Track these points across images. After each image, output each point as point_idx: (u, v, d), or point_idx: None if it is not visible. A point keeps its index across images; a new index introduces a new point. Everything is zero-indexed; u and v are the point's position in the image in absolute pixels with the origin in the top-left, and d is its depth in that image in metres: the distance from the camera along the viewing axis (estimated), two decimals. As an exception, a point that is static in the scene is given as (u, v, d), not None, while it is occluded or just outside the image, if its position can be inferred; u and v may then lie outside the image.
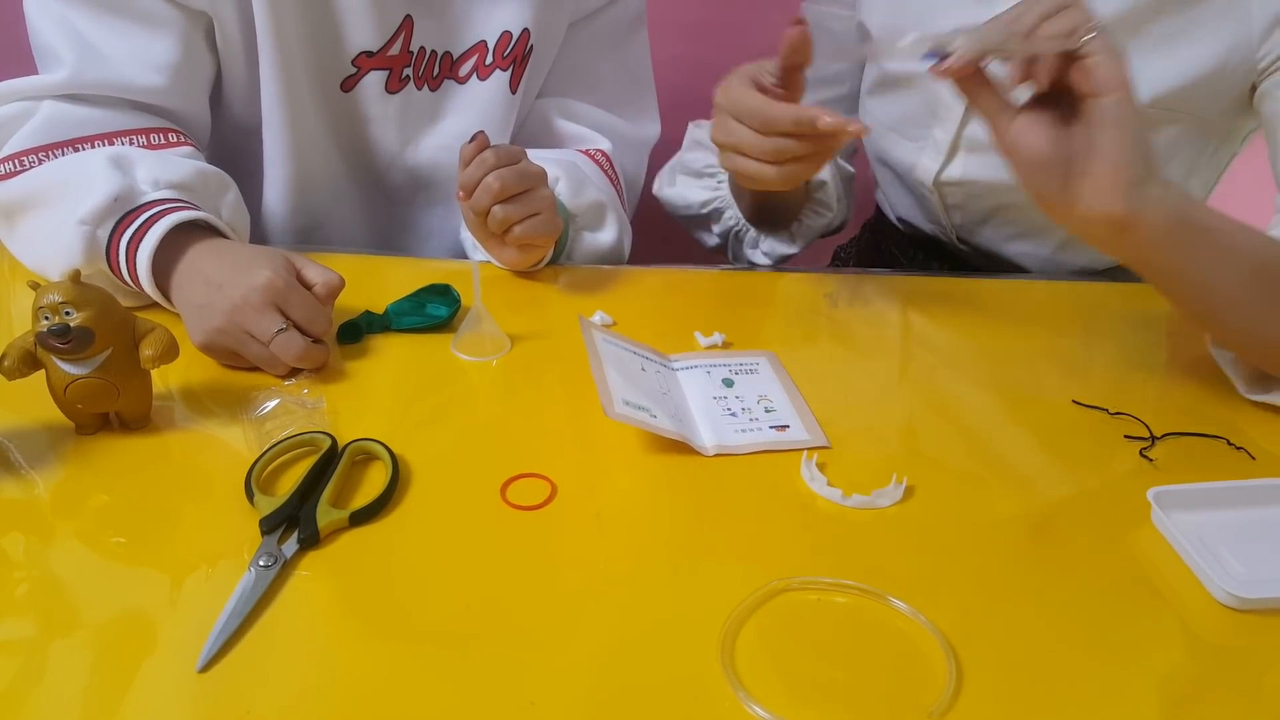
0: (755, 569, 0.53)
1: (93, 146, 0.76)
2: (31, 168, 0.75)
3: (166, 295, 0.71)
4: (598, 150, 0.98)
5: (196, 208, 0.73)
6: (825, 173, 0.94)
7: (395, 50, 0.87)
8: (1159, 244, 0.62)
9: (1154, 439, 0.67)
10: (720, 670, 0.46)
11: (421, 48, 0.88)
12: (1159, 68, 0.81)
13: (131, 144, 0.77)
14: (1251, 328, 0.67)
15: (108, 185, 0.70)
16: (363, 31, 0.85)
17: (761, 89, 0.71)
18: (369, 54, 0.86)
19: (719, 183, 0.96)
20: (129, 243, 0.69)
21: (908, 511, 0.59)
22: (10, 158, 0.75)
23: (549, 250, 0.85)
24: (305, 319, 0.68)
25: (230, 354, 0.68)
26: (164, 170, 0.73)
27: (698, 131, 1.01)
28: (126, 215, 0.70)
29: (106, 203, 0.70)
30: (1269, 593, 0.52)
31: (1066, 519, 0.60)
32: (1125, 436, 0.67)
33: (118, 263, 0.70)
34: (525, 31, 0.90)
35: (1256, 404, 0.71)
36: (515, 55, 0.91)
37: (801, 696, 0.46)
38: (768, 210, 0.94)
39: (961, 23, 0.61)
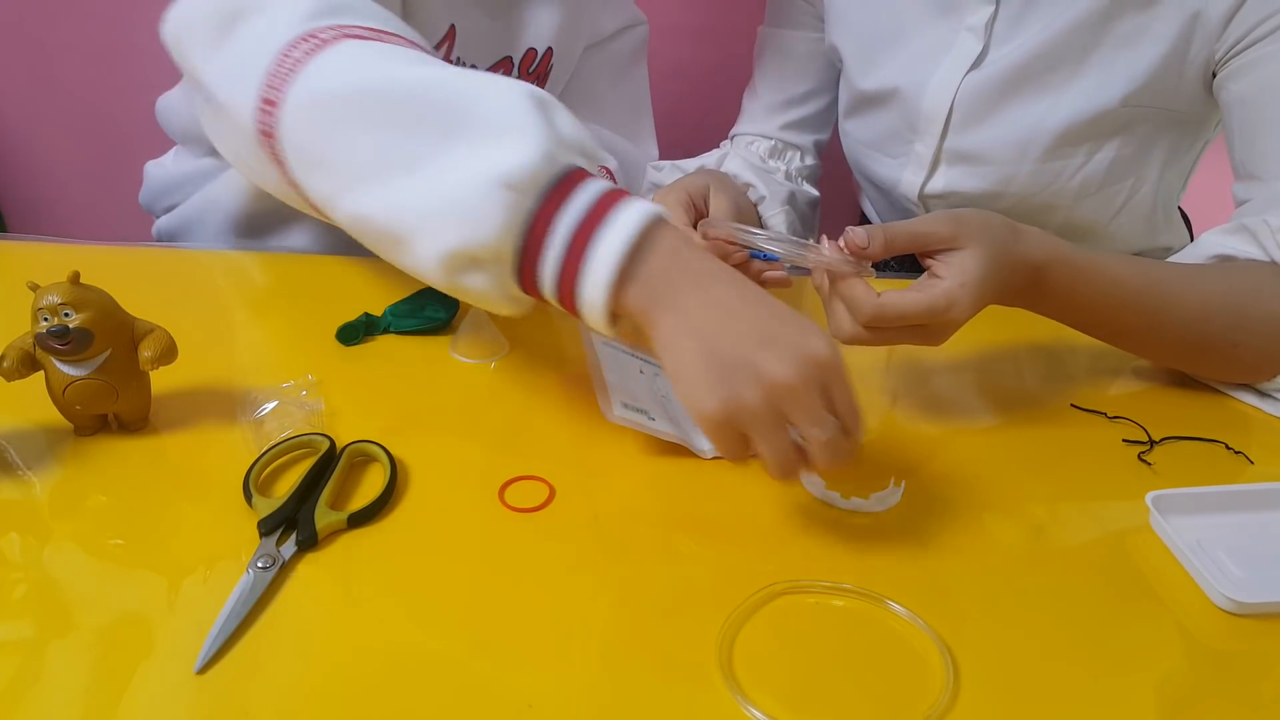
0: (753, 572, 0.53)
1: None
2: (377, 34, 0.56)
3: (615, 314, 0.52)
4: (603, 168, 0.98)
5: (619, 188, 0.53)
6: (780, 223, 0.95)
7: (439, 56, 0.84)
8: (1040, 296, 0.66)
9: (1152, 443, 0.67)
10: (718, 673, 0.46)
11: (459, 59, 0.87)
12: (1126, 64, 0.82)
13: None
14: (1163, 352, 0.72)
15: (538, 137, 0.50)
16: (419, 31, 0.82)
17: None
18: None
19: None
20: (576, 233, 0.50)
21: (905, 515, 0.59)
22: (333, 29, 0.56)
23: None
24: (848, 411, 0.51)
25: (736, 438, 0.50)
26: (576, 125, 0.54)
27: (655, 174, 1.02)
28: (554, 187, 0.51)
29: (538, 163, 0.50)
30: (1267, 597, 0.52)
31: (1064, 523, 0.60)
32: (1123, 440, 0.67)
33: (541, 255, 0.51)
34: (549, 50, 0.90)
35: (1254, 408, 0.72)
36: (539, 72, 0.91)
37: (799, 699, 0.46)
38: None
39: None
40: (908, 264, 1.11)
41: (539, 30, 0.89)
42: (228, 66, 0.60)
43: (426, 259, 0.53)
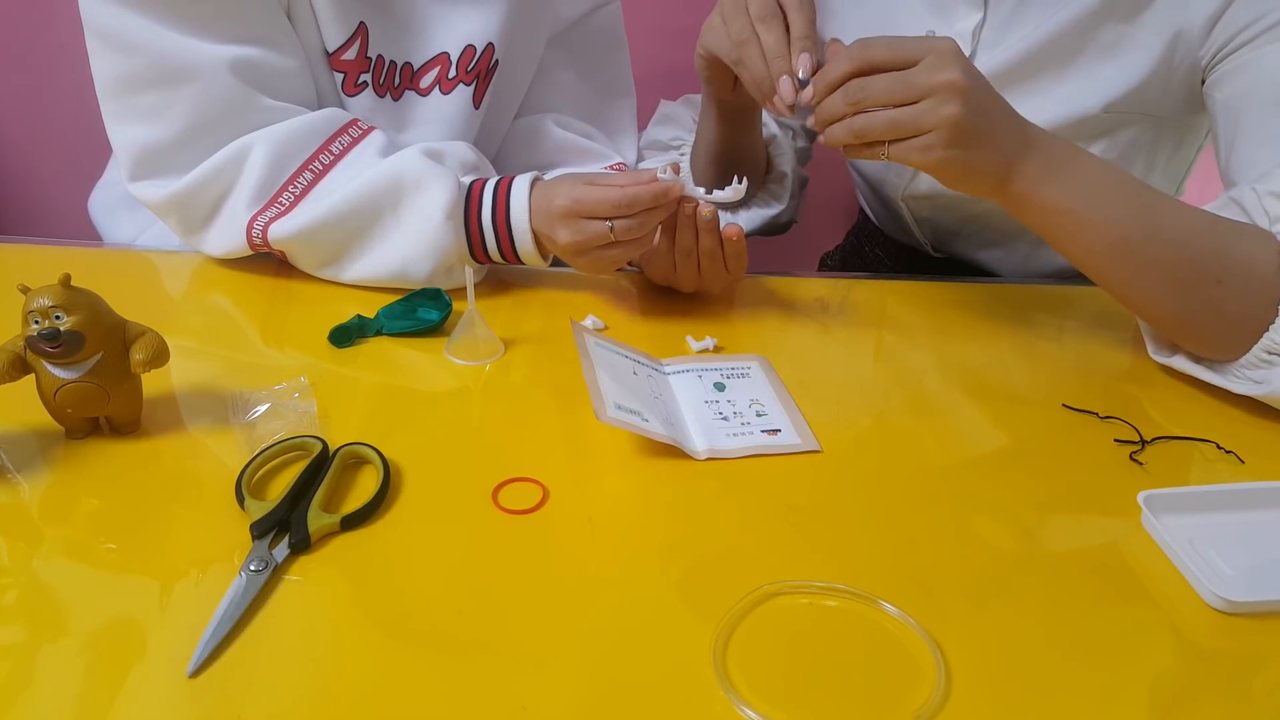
0: (747, 572, 0.53)
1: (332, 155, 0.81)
2: (315, 181, 0.79)
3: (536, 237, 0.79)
4: (620, 162, 0.98)
5: (502, 176, 0.81)
6: (786, 166, 0.97)
7: (352, 55, 0.85)
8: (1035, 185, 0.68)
9: (1144, 443, 0.67)
10: (712, 673, 0.46)
11: (380, 56, 0.87)
12: (1108, 73, 0.83)
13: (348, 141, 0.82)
14: (1130, 290, 0.71)
15: (444, 177, 0.78)
16: (324, 31, 0.84)
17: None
18: (327, 53, 0.85)
19: (682, 155, 0.98)
20: (495, 217, 0.79)
21: (898, 515, 0.59)
22: (285, 185, 0.79)
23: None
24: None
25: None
26: (461, 152, 0.83)
27: (667, 107, 1.02)
28: (469, 198, 0.79)
29: (455, 192, 0.78)
30: (1258, 595, 0.53)
31: (1057, 522, 0.60)
32: (1115, 440, 0.68)
33: (480, 240, 0.79)
34: (490, 46, 0.89)
35: (1246, 409, 0.72)
36: (479, 70, 0.89)
37: (793, 699, 0.46)
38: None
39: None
40: (901, 265, 1.12)
41: (475, 26, 0.88)
42: (213, 242, 0.82)
43: (417, 280, 0.80)
